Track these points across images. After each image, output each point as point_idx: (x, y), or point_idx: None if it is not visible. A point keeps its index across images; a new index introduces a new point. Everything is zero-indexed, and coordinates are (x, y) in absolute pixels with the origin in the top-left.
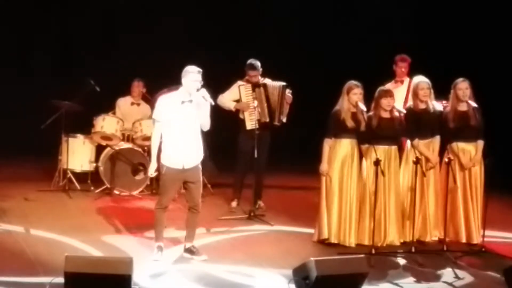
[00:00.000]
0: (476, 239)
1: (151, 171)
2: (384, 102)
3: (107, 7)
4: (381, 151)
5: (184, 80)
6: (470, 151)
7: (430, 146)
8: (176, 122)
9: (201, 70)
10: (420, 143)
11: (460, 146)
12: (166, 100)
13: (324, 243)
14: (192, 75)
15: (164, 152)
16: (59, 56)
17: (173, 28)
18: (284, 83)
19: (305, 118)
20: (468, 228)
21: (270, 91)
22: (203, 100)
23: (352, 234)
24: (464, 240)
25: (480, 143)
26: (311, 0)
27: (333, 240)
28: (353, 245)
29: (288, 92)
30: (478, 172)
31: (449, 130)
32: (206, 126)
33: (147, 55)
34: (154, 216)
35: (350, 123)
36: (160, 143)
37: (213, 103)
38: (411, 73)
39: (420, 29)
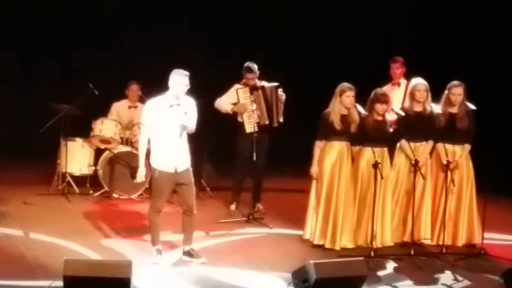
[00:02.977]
0: (461, 242)
1: (141, 177)
2: (379, 107)
3: (106, 11)
4: (374, 152)
5: (170, 83)
6: (456, 153)
7: (420, 149)
8: (165, 125)
9: (188, 73)
10: (413, 145)
11: (446, 147)
12: (153, 104)
13: (311, 244)
14: (179, 78)
15: (154, 156)
16: (58, 60)
17: (171, 31)
18: (276, 84)
19: (304, 121)
20: (450, 231)
21: (268, 93)
22: (190, 108)
23: (338, 237)
24: (444, 242)
25: (467, 147)
26: (310, 2)
27: (317, 241)
28: (337, 248)
29: (280, 91)
30: (464, 175)
31: (436, 130)
32: (191, 130)
33: (145, 58)
34: (149, 219)
35: (338, 126)
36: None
37: (194, 121)
38: (409, 75)
39: (420, 32)
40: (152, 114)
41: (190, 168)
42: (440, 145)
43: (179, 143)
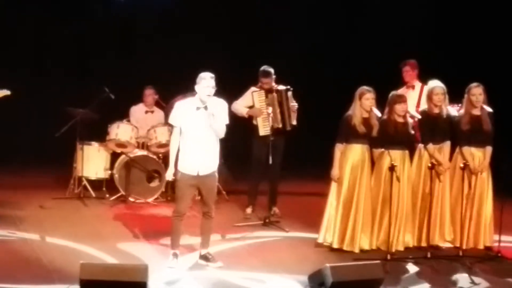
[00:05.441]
0: (466, 245)
1: (168, 176)
2: (398, 107)
3: (123, 15)
4: (397, 155)
5: (197, 86)
6: (479, 157)
7: (441, 151)
8: (191, 128)
9: (213, 75)
10: (434, 148)
11: (471, 151)
12: (181, 106)
13: (329, 248)
14: (204, 81)
15: (180, 157)
16: (73, 64)
17: (187, 35)
18: (286, 87)
19: (320, 124)
20: (462, 233)
21: (282, 96)
22: (218, 110)
23: (358, 239)
24: (458, 244)
25: (489, 149)
26: (325, 7)
27: (336, 245)
28: (356, 250)
29: (290, 94)
30: (485, 178)
31: (461, 133)
32: (220, 134)
33: (161, 62)
34: (171, 224)
35: (361, 129)
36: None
37: (227, 122)
38: (424, 78)
39: (434, 33)
40: (180, 115)
41: (216, 174)
42: (465, 149)
43: (204, 146)
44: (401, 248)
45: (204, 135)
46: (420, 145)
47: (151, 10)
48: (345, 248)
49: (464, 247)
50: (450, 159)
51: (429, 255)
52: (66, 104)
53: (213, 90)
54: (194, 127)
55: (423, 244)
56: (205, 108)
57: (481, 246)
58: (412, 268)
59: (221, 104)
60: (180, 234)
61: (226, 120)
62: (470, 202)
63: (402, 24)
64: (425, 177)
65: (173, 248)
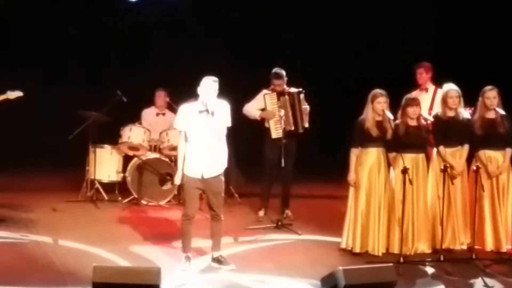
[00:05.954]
0: (505, 248)
1: (177, 180)
2: (410, 110)
3: (135, 18)
4: (409, 159)
5: (199, 89)
6: (498, 159)
7: (457, 154)
8: (194, 131)
9: (216, 79)
10: (447, 151)
11: (488, 154)
12: (185, 109)
13: (351, 252)
14: (205, 83)
15: (185, 161)
16: (86, 67)
17: (198, 37)
18: (298, 89)
19: (331, 127)
20: (496, 236)
21: (294, 99)
22: (220, 112)
23: (379, 243)
24: (491, 248)
25: (508, 151)
26: (336, 10)
27: (358, 249)
28: (380, 254)
29: (302, 97)
30: (505, 180)
31: (476, 137)
32: (219, 135)
33: (173, 65)
34: (181, 227)
35: (375, 132)
36: None
37: (229, 125)
38: (438, 81)
39: (447, 36)
40: (183, 119)
41: (222, 177)
42: (481, 153)
43: (208, 149)
44: (416, 251)
45: (207, 138)
46: (435, 149)
47: (161, 13)
48: (370, 252)
49: (488, 249)
50: (469, 162)
51: (442, 258)
52: (79, 107)
53: (213, 93)
54: (197, 130)
55: (437, 247)
56: (207, 111)
57: (503, 249)
58: (425, 271)
59: (223, 106)
60: (191, 237)
61: (228, 122)
62: (490, 204)
63: (402, 24)
64: (439, 180)
65: (185, 251)
